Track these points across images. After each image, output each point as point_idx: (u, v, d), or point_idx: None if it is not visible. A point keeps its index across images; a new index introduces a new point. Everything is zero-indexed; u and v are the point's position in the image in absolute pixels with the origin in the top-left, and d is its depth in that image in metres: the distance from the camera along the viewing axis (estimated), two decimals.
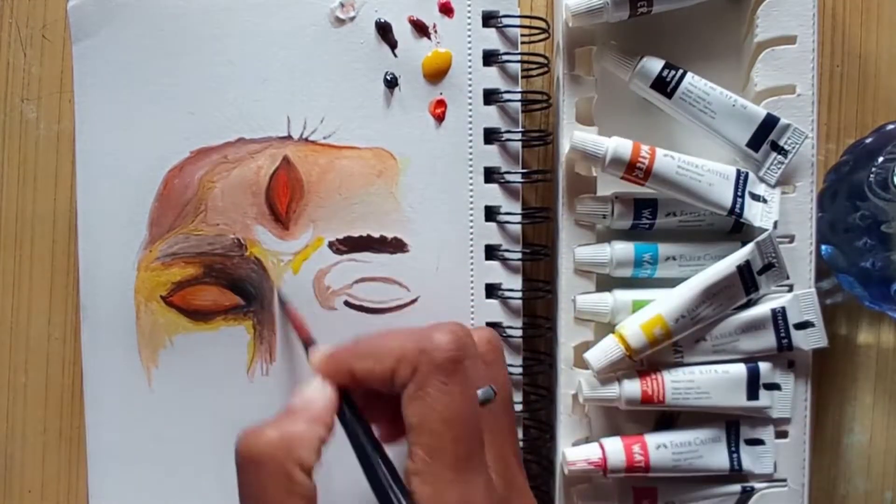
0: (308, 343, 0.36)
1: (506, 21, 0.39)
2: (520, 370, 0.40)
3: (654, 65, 0.38)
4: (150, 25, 0.40)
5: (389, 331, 0.33)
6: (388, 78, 0.40)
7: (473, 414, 0.30)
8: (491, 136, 0.40)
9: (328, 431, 0.31)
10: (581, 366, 0.39)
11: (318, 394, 0.32)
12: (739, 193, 0.38)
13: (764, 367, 0.38)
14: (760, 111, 0.38)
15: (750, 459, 0.39)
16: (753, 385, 0.38)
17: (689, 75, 0.38)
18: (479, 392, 0.31)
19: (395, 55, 0.40)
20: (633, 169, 0.37)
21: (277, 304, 0.40)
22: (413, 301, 0.40)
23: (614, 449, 0.38)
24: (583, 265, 0.39)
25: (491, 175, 0.40)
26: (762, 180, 0.38)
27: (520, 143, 0.40)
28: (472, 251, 0.40)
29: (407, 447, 0.30)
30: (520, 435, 0.39)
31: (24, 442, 0.44)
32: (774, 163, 0.38)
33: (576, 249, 0.39)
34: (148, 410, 0.41)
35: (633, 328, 0.38)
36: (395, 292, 0.40)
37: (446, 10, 0.39)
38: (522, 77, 0.40)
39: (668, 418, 0.40)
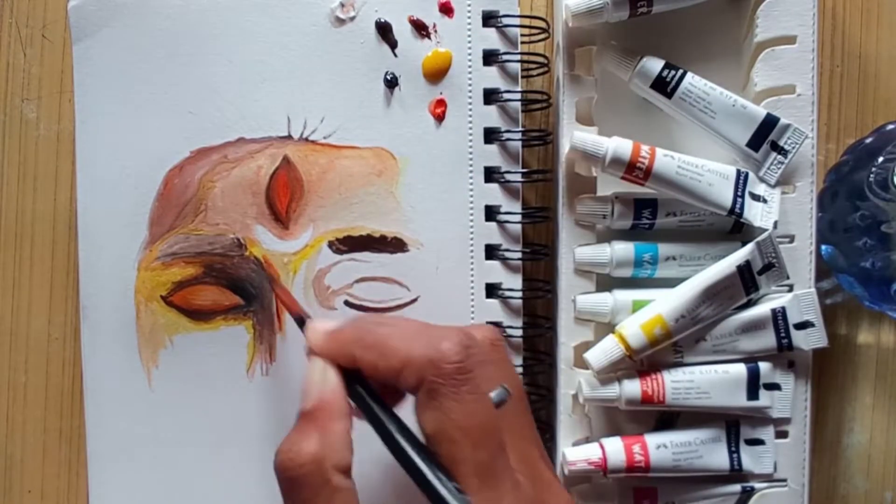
0: (301, 319, 0.35)
1: (506, 21, 0.39)
2: (520, 370, 0.40)
3: (654, 65, 0.38)
4: (150, 25, 0.40)
5: (395, 323, 0.32)
6: (388, 78, 0.40)
7: (490, 418, 0.30)
8: (491, 135, 0.40)
9: (350, 419, 0.31)
10: (581, 366, 0.39)
11: (329, 385, 0.31)
12: (739, 193, 0.38)
13: (764, 367, 0.38)
14: (760, 111, 0.38)
15: (750, 459, 0.39)
16: (753, 385, 0.38)
17: (689, 75, 0.38)
18: (493, 395, 0.31)
19: (395, 55, 0.40)
20: (633, 169, 0.37)
21: (267, 285, 0.38)
22: (413, 301, 0.40)
23: (614, 449, 0.38)
24: (583, 265, 0.39)
25: (491, 175, 0.40)
26: (762, 180, 0.38)
27: (520, 143, 0.40)
28: (472, 251, 0.40)
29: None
30: None
31: (24, 442, 0.44)
32: (774, 163, 0.38)
33: (576, 249, 0.39)
34: (148, 410, 0.41)
35: (633, 328, 0.38)
36: (395, 292, 0.40)
37: (446, 9, 0.39)
38: (522, 77, 0.40)
39: (668, 418, 0.40)
